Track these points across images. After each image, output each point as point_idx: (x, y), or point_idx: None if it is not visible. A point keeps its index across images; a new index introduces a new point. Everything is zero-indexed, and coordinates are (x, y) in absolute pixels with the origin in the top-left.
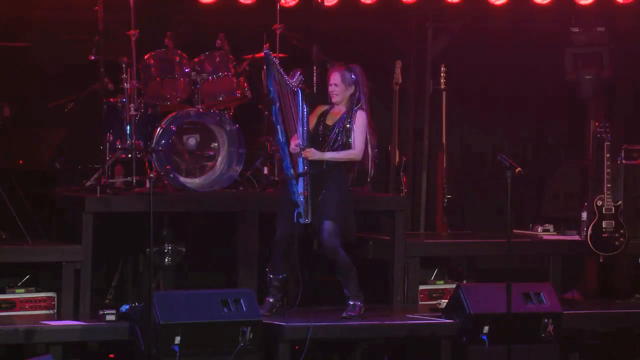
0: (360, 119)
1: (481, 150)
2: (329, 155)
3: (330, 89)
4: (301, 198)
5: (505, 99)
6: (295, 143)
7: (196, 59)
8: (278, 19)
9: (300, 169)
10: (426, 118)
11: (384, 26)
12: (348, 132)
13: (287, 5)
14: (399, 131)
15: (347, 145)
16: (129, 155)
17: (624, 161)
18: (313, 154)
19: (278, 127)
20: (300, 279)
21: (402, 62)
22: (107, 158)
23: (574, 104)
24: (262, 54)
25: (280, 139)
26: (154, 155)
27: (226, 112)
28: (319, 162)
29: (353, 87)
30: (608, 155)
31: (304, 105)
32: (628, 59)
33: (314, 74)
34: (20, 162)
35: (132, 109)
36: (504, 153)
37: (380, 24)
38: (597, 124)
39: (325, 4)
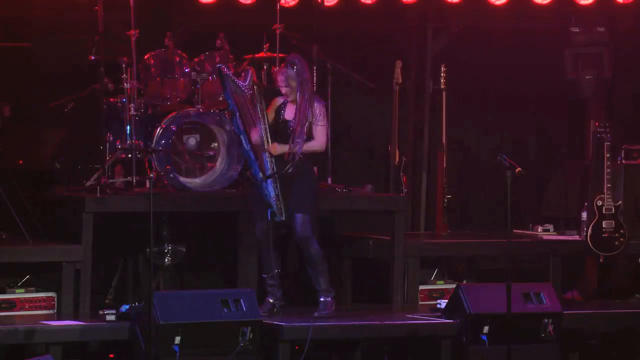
0: (318, 111)
1: (481, 150)
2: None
3: (282, 90)
4: (273, 199)
5: (505, 99)
6: (256, 135)
7: (196, 59)
8: (278, 19)
9: (268, 171)
10: (426, 118)
11: (384, 26)
12: (308, 125)
13: (287, 5)
14: (399, 131)
15: (310, 139)
16: (129, 155)
17: (624, 161)
18: (276, 149)
19: (241, 136)
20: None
21: (402, 62)
22: (107, 158)
23: (574, 104)
24: (262, 54)
25: (245, 146)
26: (154, 155)
27: (226, 112)
28: (286, 160)
29: (298, 81)
30: (608, 155)
31: (260, 103)
32: (628, 59)
33: (314, 74)
34: (20, 162)
35: (132, 109)
36: (504, 153)
37: (380, 24)
38: (597, 124)
39: (325, 4)
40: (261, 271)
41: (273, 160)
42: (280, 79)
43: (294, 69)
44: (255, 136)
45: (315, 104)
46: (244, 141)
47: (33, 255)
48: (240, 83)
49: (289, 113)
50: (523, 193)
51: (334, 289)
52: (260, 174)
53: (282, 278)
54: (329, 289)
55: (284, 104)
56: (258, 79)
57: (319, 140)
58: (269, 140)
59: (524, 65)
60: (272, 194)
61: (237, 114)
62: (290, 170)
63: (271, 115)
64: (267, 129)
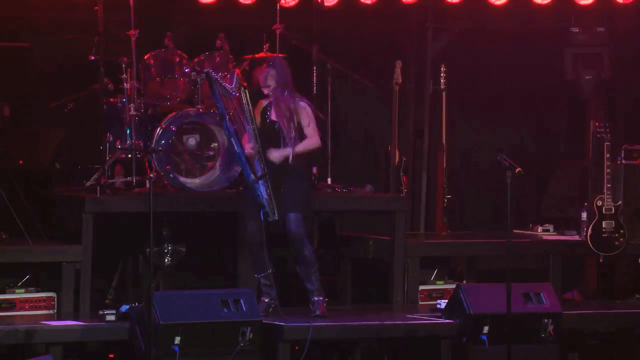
0: (304, 110)
1: (481, 150)
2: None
3: (264, 91)
4: (265, 199)
5: (505, 99)
6: (249, 146)
7: (196, 59)
8: (278, 19)
9: (259, 171)
10: (426, 118)
11: (384, 26)
12: (297, 125)
13: (287, 5)
14: (399, 131)
15: (303, 138)
16: (129, 155)
17: (624, 161)
18: (275, 156)
19: (232, 139)
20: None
21: (402, 62)
22: (107, 158)
23: (574, 104)
24: (262, 54)
25: (236, 149)
26: (154, 155)
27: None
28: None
29: (277, 81)
30: (608, 155)
31: (248, 105)
32: (628, 59)
33: (314, 74)
34: (20, 162)
35: (132, 109)
36: (504, 153)
37: (380, 24)
38: (597, 124)
39: (325, 4)
40: (254, 270)
41: (263, 161)
42: (261, 78)
43: (273, 69)
44: (247, 146)
45: (300, 103)
46: (234, 144)
47: (33, 255)
48: (227, 86)
49: (274, 114)
50: (523, 193)
51: (322, 286)
52: (252, 176)
53: (277, 277)
54: (320, 289)
55: (269, 105)
56: (246, 81)
57: (313, 137)
58: (259, 141)
59: (524, 65)
60: (264, 195)
61: (227, 117)
62: (266, 170)
63: (257, 117)
64: (257, 131)
